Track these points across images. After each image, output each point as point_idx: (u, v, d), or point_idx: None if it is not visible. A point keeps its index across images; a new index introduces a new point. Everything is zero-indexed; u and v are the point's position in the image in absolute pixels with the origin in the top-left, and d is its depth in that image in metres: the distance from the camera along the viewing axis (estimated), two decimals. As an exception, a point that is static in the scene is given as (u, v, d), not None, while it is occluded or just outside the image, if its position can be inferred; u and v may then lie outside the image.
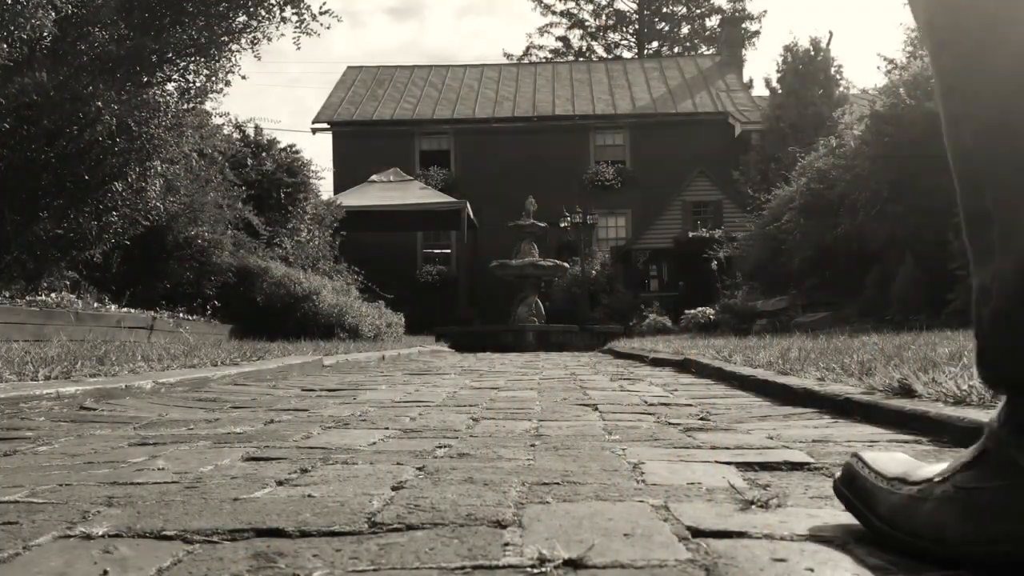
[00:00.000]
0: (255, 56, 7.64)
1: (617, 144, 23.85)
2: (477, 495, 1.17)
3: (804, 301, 11.46)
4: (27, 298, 6.24)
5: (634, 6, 41.42)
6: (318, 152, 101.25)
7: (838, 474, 1.04)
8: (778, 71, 22.67)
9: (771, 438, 1.77)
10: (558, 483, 1.26)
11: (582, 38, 41.28)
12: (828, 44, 22.33)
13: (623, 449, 1.64)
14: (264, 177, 11.88)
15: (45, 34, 5.80)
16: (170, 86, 7.51)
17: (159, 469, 1.44)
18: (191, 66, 7.42)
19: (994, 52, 0.92)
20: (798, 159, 13.91)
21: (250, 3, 7.15)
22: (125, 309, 7.25)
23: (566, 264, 16.99)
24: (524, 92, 25.36)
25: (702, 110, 24.60)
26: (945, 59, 0.99)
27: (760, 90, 25.53)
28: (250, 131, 12.50)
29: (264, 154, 12.18)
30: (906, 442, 1.66)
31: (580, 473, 1.35)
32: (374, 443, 1.76)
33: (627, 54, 39.91)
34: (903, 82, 10.77)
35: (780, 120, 21.52)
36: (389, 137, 24.44)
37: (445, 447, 1.69)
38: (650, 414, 2.33)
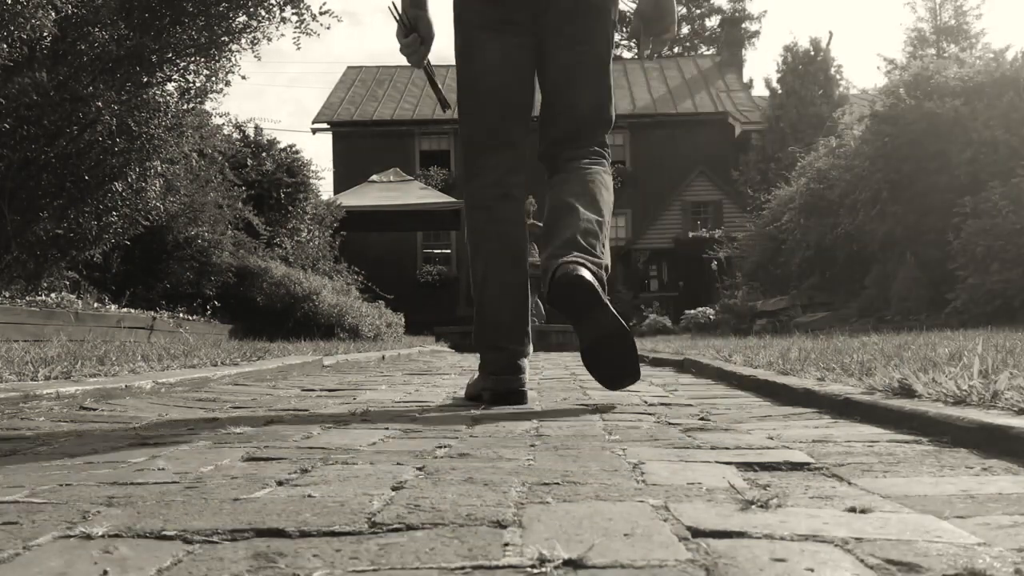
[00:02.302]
0: (255, 56, 7.65)
1: (617, 144, 23.85)
2: (477, 495, 1.17)
3: (804, 301, 11.46)
4: (27, 298, 6.24)
5: (633, 6, 41.36)
6: (318, 152, 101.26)
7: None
8: (778, 71, 22.69)
9: (771, 438, 1.77)
10: (558, 483, 1.26)
11: None
12: (828, 44, 22.35)
13: (623, 449, 1.64)
14: (264, 177, 11.88)
15: (45, 34, 5.80)
16: (170, 86, 7.52)
17: (159, 469, 1.44)
18: (191, 66, 7.42)
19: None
20: (798, 159, 13.92)
21: (250, 3, 7.14)
22: (125, 309, 7.26)
23: (566, 264, 16.95)
24: (524, 92, 25.33)
25: (702, 110, 24.58)
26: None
27: (760, 90, 25.57)
28: (250, 131, 12.51)
29: (264, 154, 12.19)
30: (906, 441, 1.66)
31: (580, 473, 1.36)
32: (374, 443, 1.76)
33: (627, 54, 39.90)
34: (903, 82, 10.78)
35: (780, 120, 21.54)
36: (389, 137, 24.44)
37: (445, 447, 1.69)
38: (650, 414, 2.33)
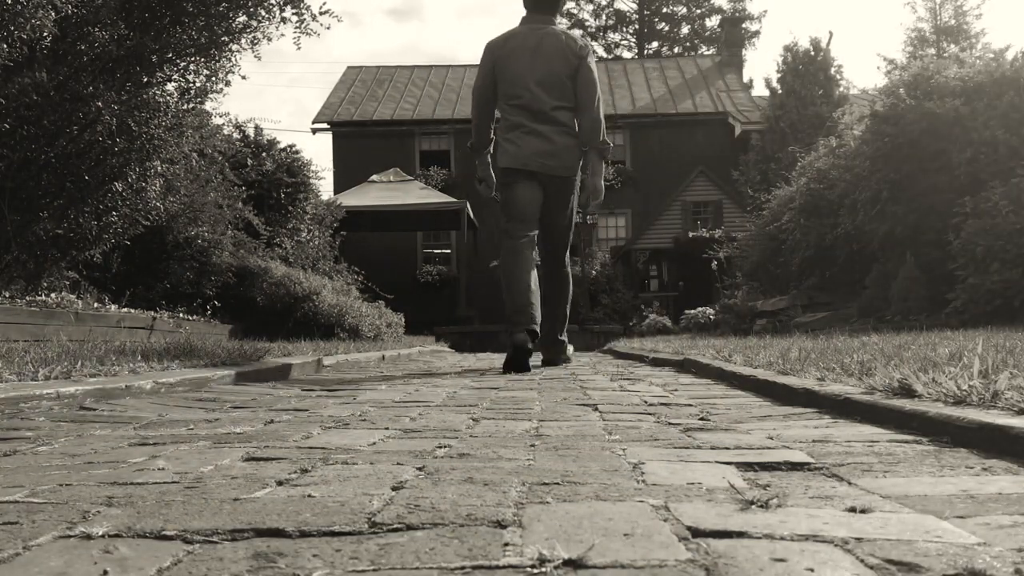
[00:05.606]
0: (255, 56, 7.63)
1: (617, 144, 23.83)
2: (477, 495, 1.17)
3: (804, 301, 11.45)
4: (27, 298, 6.24)
5: (634, 6, 41.38)
6: (318, 152, 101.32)
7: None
8: (778, 71, 22.67)
9: (771, 438, 1.77)
10: (558, 483, 1.26)
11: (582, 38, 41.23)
12: (828, 44, 22.33)
13: (623, 449, 1.64)
14: (264, 177, 11.87)
15: (45, 34, 5.79)
16: (170, 86, 7.50)
17: (159, 469, 1.44)
18: (191, 66, 7.40)
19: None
20: (798, 159, 13.90)
21: (250, 3, 7.13)
22: (125, 309, 7.25)
23: (566, 264, 16.97)
24: (524, 92, 25.30)
25: (702, 110, 24.56)
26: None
27: (760, 90, 25.55)
28: (250, 131, 12.50)
29: (264, 154, 12.18)
30: (906, 441, 1.66)
31: (580, 473, 1.36)
32: (374, 443, 1.76)
33: (627, 54, 39.90)
34: (903, 82, 10.76)
35: (780, 120, 21.52)
36: (389, 137, 24.42)
37: (445, 447, 1.69)
38: (650, 414, 2.33)
